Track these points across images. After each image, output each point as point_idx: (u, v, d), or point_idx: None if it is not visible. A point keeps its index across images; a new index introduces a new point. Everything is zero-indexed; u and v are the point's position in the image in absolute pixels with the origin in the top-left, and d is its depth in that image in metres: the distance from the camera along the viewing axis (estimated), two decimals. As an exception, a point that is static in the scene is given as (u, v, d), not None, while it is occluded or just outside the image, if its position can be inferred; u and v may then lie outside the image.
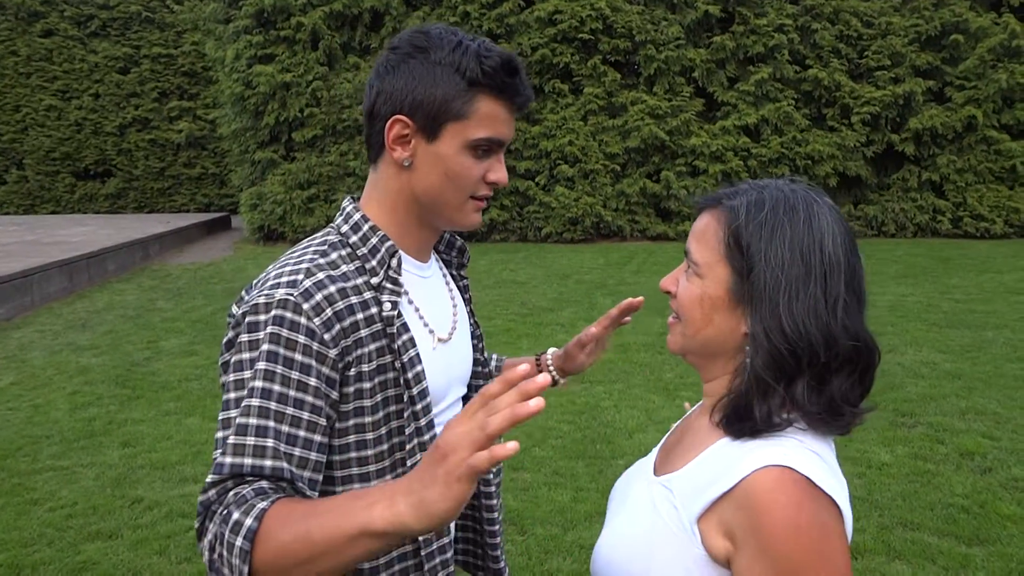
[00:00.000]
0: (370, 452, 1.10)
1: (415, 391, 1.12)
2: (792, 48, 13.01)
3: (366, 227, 1.16)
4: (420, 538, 1.13)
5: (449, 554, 1.18)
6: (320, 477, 1.05)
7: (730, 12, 13.09)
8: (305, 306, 1.04)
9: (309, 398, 1.02)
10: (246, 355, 1.04)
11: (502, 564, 1.36)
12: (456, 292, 1.33)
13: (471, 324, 1.36)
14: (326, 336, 1.04)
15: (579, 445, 4.42)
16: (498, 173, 1.16)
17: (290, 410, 1.01)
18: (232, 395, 1.03)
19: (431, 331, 1.20)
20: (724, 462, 0.97)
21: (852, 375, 0.98)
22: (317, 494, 1.04)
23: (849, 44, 13.13)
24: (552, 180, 13.23)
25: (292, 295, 1.04)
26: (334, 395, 1.05)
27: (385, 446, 1.11)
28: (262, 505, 0.93)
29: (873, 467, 4.03)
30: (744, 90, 13.04)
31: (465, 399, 1.34)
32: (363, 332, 1.09)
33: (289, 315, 1.03)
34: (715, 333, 1.03)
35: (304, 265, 1.10)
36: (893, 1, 13.18)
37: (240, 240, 14.26)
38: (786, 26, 12.90)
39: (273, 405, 1.00)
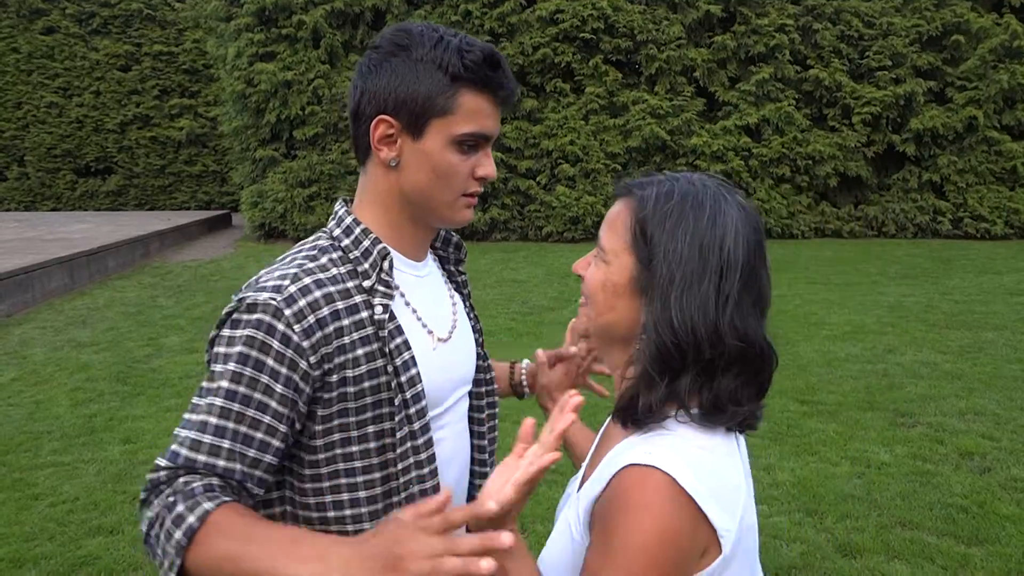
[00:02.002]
0: (355, 450, 1.10)
1: (408, 395, 1.12)
2: (793, 48, 13.01)
3: (358, 230, 1.16)
4: None
5: None
6: (271, 478, 1.07)
7: (731, 12, 13.09)
8: (287, 312, 1.04)
9: (273, 403, 1.04)
10: (222, 349, 1.05)
11: None
12: (454, 290, 1.32)
13: (471, 320, 1.34)
14: (304, 343, 1.04)
15: (579, 443, 4.42)
16: (486, 168, 1.15)
17: (251, 412, 1.03)
18: (204, 384, 1.06)
19: (430, 331, 1.20)
20: (611, 459, 0.98)
21: (740, 375, 0.97)
22: (263, 491, 1.07)
23: (850, 44, 13.13)
24: (553, 179, 13.24)
25: (275, 300, 1.05)
26: (301, 403, 1.06)
27: (372, 444, 1.11)
28: (207, 506, 0.96)
29: (872, 467, 4.03)
30: (745, 90, 13.05)
31: (471, 396, 1.33)
32: (351, 337, 1.08)
33: (268, 319, 1.04)
34: (615, 319, 1.03)
35: (292, 269, 1.10)
36: (894, 1, 13.18)
37: (241, 238, 14.26)
38: (787, 26, 12.90)
39: (236, 407, 1.02)
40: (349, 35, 13.20)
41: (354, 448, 1.11)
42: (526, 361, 1.55)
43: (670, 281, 0.96)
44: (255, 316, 1.05)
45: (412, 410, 1.12)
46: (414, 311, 1.19)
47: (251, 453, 1.03)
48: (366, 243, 1.15)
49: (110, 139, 18.95)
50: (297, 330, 1.04)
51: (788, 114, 12.97)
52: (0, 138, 18.90)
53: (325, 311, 1.07)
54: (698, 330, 0.94)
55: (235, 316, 1.06)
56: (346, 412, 1.09)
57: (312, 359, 1.05)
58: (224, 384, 1.03)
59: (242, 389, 1.03)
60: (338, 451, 1.10)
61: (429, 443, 1.15)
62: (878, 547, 3.26)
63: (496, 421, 1.39)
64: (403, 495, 1.12)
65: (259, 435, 1.03)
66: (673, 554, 0.89)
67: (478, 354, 1.35)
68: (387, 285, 1.13)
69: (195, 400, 1.05)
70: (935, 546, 3.27)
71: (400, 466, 1.12)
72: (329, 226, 1.19)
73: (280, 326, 1.04)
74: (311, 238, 1.20)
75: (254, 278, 1.12)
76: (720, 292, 0.95)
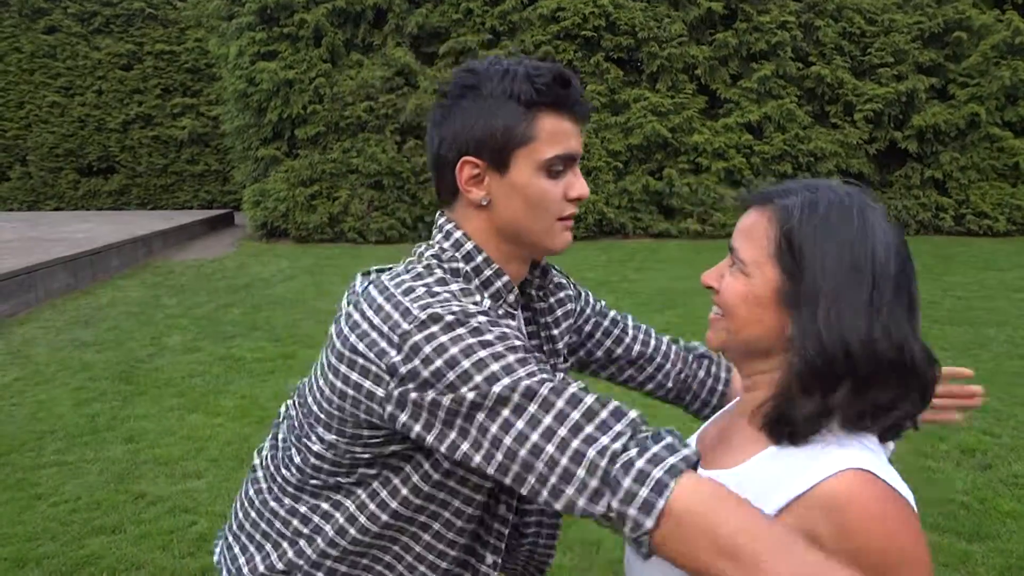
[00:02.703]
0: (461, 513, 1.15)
1: None
2: (795, 45, 12.99)
3: (479, 258, 1.12)
4: None
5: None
6: None
7: (733, 9, 13.07)
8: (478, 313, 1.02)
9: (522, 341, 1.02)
10: (453, 374, 0.96)
11: None
12: (522, 323, 1.24)
13: (562, 349, 1.32)
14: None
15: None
16: (579, 188, 1.13)
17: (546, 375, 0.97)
18: (480, 415, 0.95)
19: None
20: (786, 467, 0.96)
21: (897, 386, 0.97)
22: None
23: (852, 41, 13.11)
24: (554, 177, 13.23)
25: (459, 309, 1.01)
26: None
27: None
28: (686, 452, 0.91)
29: (874, 464, 4.04)
30: (747, 87, 13.03)
31: None
32: None
33: (461, 316, 1.00)
34: (759, 332, 1.01)
35: (459, 289, 1.07)
36: (896, -2, 13.17)
37: (243, 237, 14.28)
38: (789, 23, 12.88)
39: (545, 373, 0.98)
40: (351, 33, 13.20)
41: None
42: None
43: (823, 294, 0.95)
44: (448, 317, 0.99)
45: None
46: None
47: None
48: (488, 272, 1.14)
49: (112, 138, 18.97)
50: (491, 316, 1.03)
51: (790, 111, 12.95)
52: (2, 138, 18.92)
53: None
54: (853, 343, 0.94)
55: (417, 339, 0.98)
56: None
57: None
58: (521, 366, 0.97)
59: (522, 370, 0.96)
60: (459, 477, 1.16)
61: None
62: (879, 544, 3.26)
63: None
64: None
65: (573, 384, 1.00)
66: (924, 541, 0.93)
67: None
68: (511, 318, 1.13)
69: (519, 423, 0.94)
70: (936, 543, 3.27)
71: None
72: (445, 246, 1.14)
73: (481, 315, 1.01)
74: (433, 261, 1.13)
75: (387, 315, 1.03)
76: (873, 304, 0.95)
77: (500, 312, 1.11)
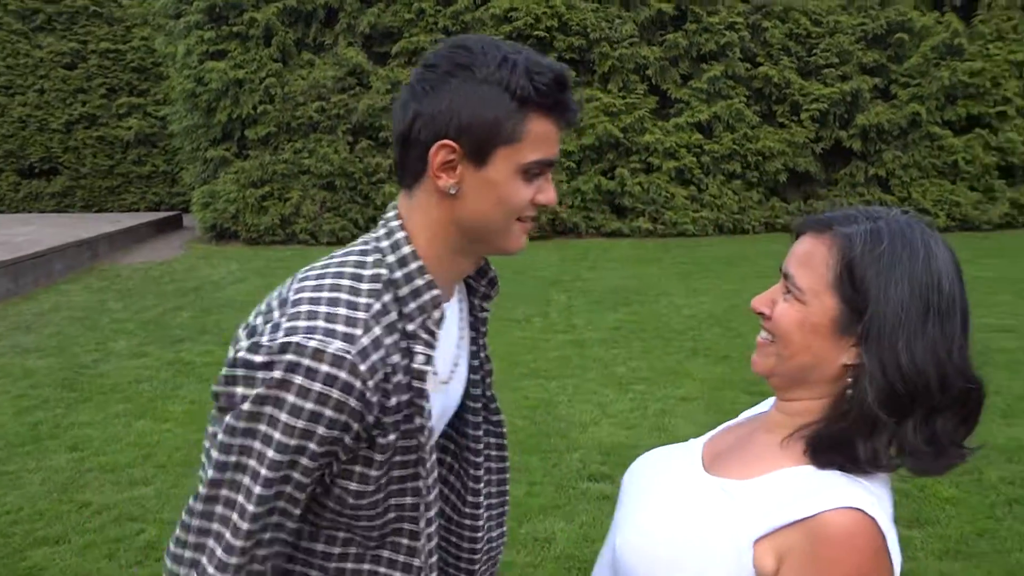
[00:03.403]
0: (364, 501, 1.05)
1: (427, 443, 1.07)
2: (744, 46, 13.21)
3: (414, 266, 1.06)
4: None
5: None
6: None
7: (683, 10, 13.24)
8: (362, 368, 0.96)
9: (307, 480, 0.98)
10: (269, 410, 0.95)
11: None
12: (466, 327, 1.23)
13: (481, 359, 1.28)
14: (373, 399, 0.98)
15: (533, 439, 4.46)
16: (548, 194, 1.07)
17: (289, 490, 0.98)
18: (230, 442, 0.97)
19: (435, 373, 1.12)
20: (801, 489, 0.97)
21: (958, 415, 0.98)
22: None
23: (798, 42, 13.38)
24: (508, 177, 13.25)
25: (350, 353, 0.96)
26: (343, 454, 1.00)
27: (408, 500, 1.08)
28: None
29: (819, 455, 4.13)
30: (697, 87, 13.21)
31: (443, 435, 1.28)
32: (395, 380, 1.02)
33: (344, 376, 0.95)
34: (811, 360, 1.01)
35: (361, 314, 1.00)
36: (841, 0, 13.47)
37: (192, 239, 14.03)
38: (737, 24, 13.10)
39: (287, 489, 0.98)
40: (302, 33, 13.05)
41: (403, 500, 1.08)
42: None
43: (895, 326, 0.95)
44: (326, 369, 0.94)
45: (427, 460, 1.07)
46: None
47: (283, 536, 1.00)
48: (419, 282, 1.05)
49: (55, 139, 18.46)
50: (371, 386, 0.97)
51: (739, 111, 13.17)
52: (-61, 139, 18.32)
53: (391, 362, 1.01)
54: (929, 374, 0.95)
55: (291, 358, 0.94)
56: (370, 462, 1.03)
57: (372, 416, 0.99)
58: (280, 438, 0.94)
59: (310, 445, 0.96)
60: (392, 501, 1.07)
61: (431, 487, 1.10)
62: (823, 533, 3.35)
63: (507, 463, 1.38)
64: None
65: (293, 521, 1.00)
66: None
67: (475, 395, 1.28)
68: (431, 335, 1.05)
69: (215, 475, 0.97)
70: (878, 531, 3.36)
71: (407, 527, 1.10)
72: (382, 244, 1.08)
73: (357, 384, 0.95)
74: (366, 261, 1.07)
75: (290, 305, 1.01)
76: (945, 335, 0.96)
77: (411, 328, 1.04)
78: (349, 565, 1.10)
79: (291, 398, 0.94)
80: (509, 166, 1.03)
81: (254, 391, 0.95)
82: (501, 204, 1.05)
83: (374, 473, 1.03)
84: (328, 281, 1.03)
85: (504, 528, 1.38)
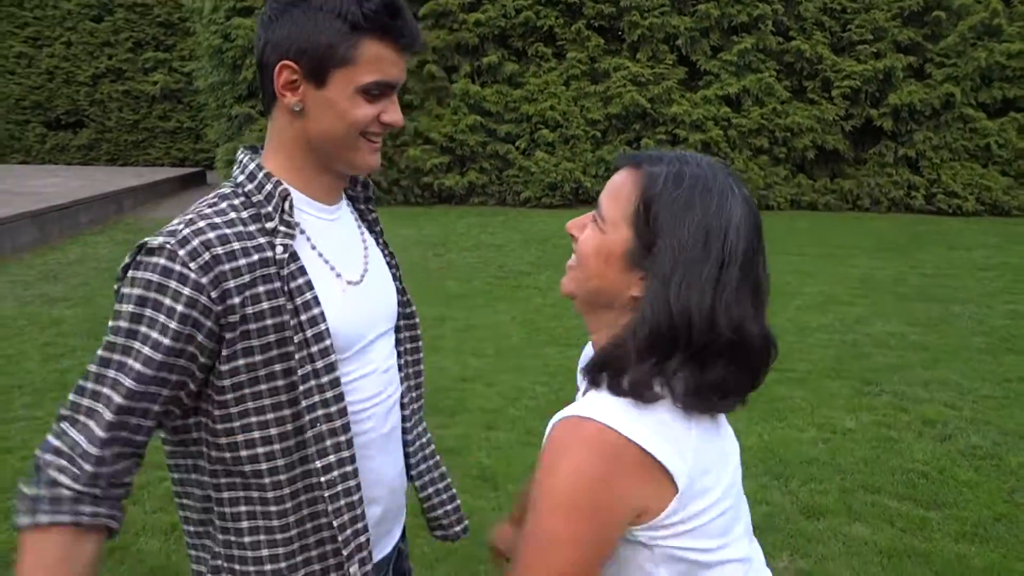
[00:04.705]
0: (263, 388, 1.13)
1: (310, 334, 1.14)
2: (776, 19, 12.97)
3: (260, 175, 1.17)
4: (336, 524, 1.18)
5: (356, 497, 1.20)
6: (177, 410, 1.13)
7: (716, -20, 13.00)
8: (180, 252, 1.07)
9: (166, 340, 1.07)
10: (125, 290, 1.09)
11: (426, 481, 1.43)
12: (367, 233, 1.34)
13: (386, 257, 1.37)
14: (202, 279, 1.07)
15: (553, 405, 4.47)
16: (392, 115, 1.17)
17: (146, 350, 1.07)
18: (110, 323, 1.10)
19: (338, 275, 1.21)
20: (567, 409, 1.01)
21: (730, 366, 0.99)
22: (166, 423, 1.16)
23: (833, 17, 13.12)
24: (532, 145, 13.18)
25: (169, 243, 1.08)
26: (201, 336, 1.08)
27: (280, 382, 1.13)
28: (52, 520, 1.03)
29: (838, 433, 4.13)
30: (727, 60, 13.01)
31: (396, 331, 1.37)
32: (251, 275, 1.10)
33: (163, 261, 1.07)
34: (604, 286, 1.05)
35: (188, 216, 1.12)
36: (878, -26, 13.17)
37: (216, 196, 14.07)
38: (771, -4, 12.85)
39: (135, 344, 1.07)
40: (329, -9, 12.94)
41: (262, 386, 1.12)
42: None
43: (672, 265, 0.97)
44: (152, 259, 1.08)
45: (314, 349, 1.14)
46: (320, 255, 1.20)
47: (146, 389, 1.08)
48: (268, 186, 1.16)
49: (82, 92, 18.54)
50: (193, 267, 1.07)
51: (769, 85, 12.97)
52: (-33, 88, 18.43)
53: (220, 250, 1.09)
54: (693, 316, 0.96)
55: (137, 259, 1.10)
56: (251, 351, 1.11)
57: (213, 294, 1.08)
58: (123, 324, 1.08)
59: (142, 328, 1.07)
60: (247, 390, 1.12)
61: (335, 382, 1.16)
62: (840, 509, 3.36)
63: (420, 355, 1.44)
64: (310, 433, 1.15)
65: (150, 371, 1.07)
66: (587, 501, 0.93)
67: (398, 289, 1.37)
68: (288, 225, 1.15)
69: (105, 339, 1.10)
70: (895, 509, 3.37)
71: (304, 403, 1.14)
72: (234, 173, 1.21)
73: (176, 266, 1.07)
74: (224, 189, 1.21)
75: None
76: (719, 281, 0.97)
77: (271, 225, 1.14)
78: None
79: (134, 290, 1.08)
80: (347, 86, 1.12)
81: (124, 290, 1.10)
82: (342, 120, 1.14)
83: (275, 353, 1.12)
84: (187, 211, 1.16)
85: (424, 423, 1.46)
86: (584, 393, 1.05)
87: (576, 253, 1.09)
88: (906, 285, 7.63)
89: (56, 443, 1.06)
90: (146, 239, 1.10)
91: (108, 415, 1.06)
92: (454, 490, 1.48)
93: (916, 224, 11.95)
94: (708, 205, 0.99)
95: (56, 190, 11.65)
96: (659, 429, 0.96)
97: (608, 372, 1.00)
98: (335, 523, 1.17)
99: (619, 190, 1.05)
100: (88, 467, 1.04)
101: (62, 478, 1.04)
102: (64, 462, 1.04)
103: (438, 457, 1.47)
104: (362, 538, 1.20)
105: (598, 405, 0.97)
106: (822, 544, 3.12)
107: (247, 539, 1.16)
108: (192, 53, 16.66)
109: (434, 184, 13.18)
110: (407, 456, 1.38)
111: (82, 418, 1.06)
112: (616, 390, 0.98)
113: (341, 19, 1.10)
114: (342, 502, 1.17)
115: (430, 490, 1.43)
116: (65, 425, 1.07)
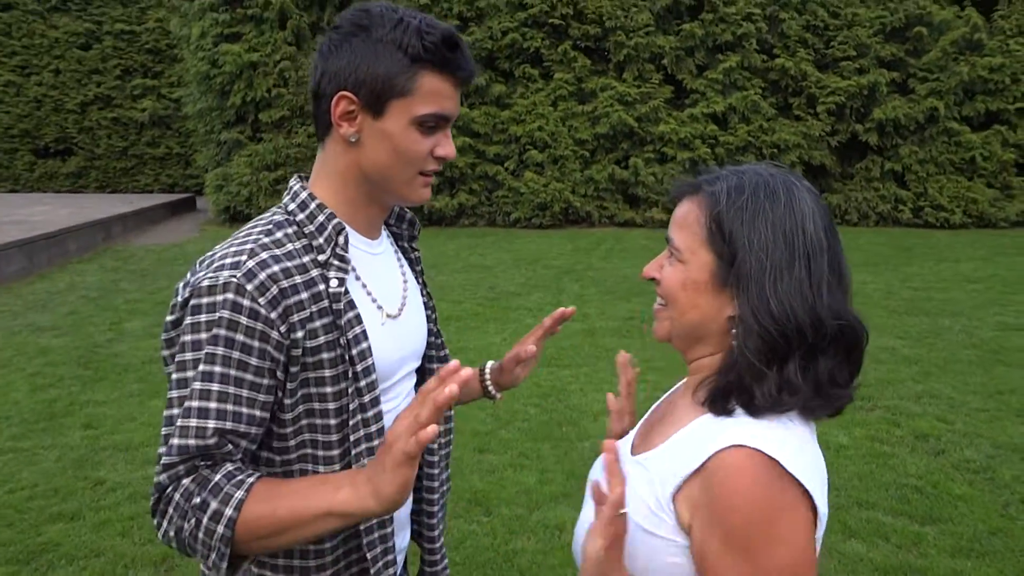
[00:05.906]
0: (319, 423, 1.13)
1: (359, 368, 1.14)
2: (760, 37, 13.11)
3: (313, 205, 1.17)
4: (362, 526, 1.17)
5: (389, 530, 1.21)
6: (254, 446, 1.11)
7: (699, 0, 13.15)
8: (248, 287, 1.06)
9: (249, 376, 1.06)
10: (189, 337, 1.07)
11: (436, 533, 1.41)
12: (407, 267, 1.34)
13: (424, 297, 1.37)
14: (272, 315, 1.06)
15: (545, 427, 4.46)
16: (446, 148, 1.17)
17: (231, 389, 1.05)
18: (175, 376, 1.07)
19: (379, 307, 1.22)
20: (700, 439, 0.99)
21: (839, 355, 1.00)
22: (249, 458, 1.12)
23: (816, 34, 13.26)
24: (521, 165, 13.23)
25: (235, 276, 1.06)
26: (279, 372, 1.08)
27: (333, 421, 1.14)
28: (239, 495, 1.01)
29: (831, 449, 4.12)
30: (712, 78, 13.13)
31: (419, 371, 1.37)
32: (310, 309, 1.10)
33: (231, 296, 1.05)
34: (700, 317, 1.04)
35: (248, 245, 1.11)
36: (859, -8, 13.34)
37: (205, 221, 14.07)
38: (754, 15, 12.99)
39: (215, 386, 1.04)
40: (316, 16, 13.03)
41: (317, 421, 1.13)
42: (490, 363, 1.56)
43: (760, 271, 0.98)
44: (218, 298, 1.06)
45: (363, 383, 1.15)
46: (364, 286, 1.21)
47: (241, 427, 1.06)
48: (321, 218, 1.16)
49: (70, 119, 18.53)
50: (263, 302, 1.06)
51: (754, 103, 13.08)
52: (-45, 117, 18.38)
53: (285, 283, 1.09)
54: (798, 314, 0.97)
55: (194, 302, 1.07)
56: (308, 383, 1.12)
57: (282, 328, 1.07)
58: (202, 367, 1.05)
59: (218, 368, 1.04)
60: (304, 422, 1.13)
61: (379, 416, 1.17)
62: (835, 526, 3.34)
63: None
64: (355, 465, 1.15)
65: (244, 410, 1.06)
66: (797, 526, 0.94)
67: (429, 331, 1.37)
68: (342, 259, 1.15)
69: (171, 394, 1.07)
70: (890, 525, 3.36)
71: (352, 436, 1.14)
72: (284, 201, 1.21)
73: (245, 301, 1.05)
74: (267, 214, 1.21)
75: (207, 258, 1.13)
76: (812, 275, 0.98)
77: (323, 258, 1.14)
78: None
79: (201, 334, 1.06)
80: (403, 118, 1.13)
81: (187, 337, 1.08)
82: (398, 154, 1.14)
83: (329, 390, 1.13)
84: (238, 238, 1.14)
85: (449, 471, 1.45)
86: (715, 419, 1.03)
87: (662, 293, 1.08)
88: (896, 299, 7.66)
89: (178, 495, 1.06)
90: (203, 276, 1.08)
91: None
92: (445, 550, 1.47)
93: (904, 237, 12.02)
94: (776, 205, 1.00)
95: (44, 218, 11.60)
96: (802, 448, 0.97)
97: (735, 396, 0.99)
98: (368, 555, 1.18)
99: (686, 218, 1.05)
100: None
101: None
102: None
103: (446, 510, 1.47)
104: (391, 570, 1.22)
105: (750, 432, 0.96)
106: (818, 562, 3.10)
107: (281, 561, 1.17)
108: (180, 80, 16.69)
109: (424, 206, 13.20)
110: (431, 503, 1.38)
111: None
112: (753, 411, 0.98)
113: (402, 51, 1.10)
114: (376, 535, 1.19)
115: (437, 555, 1.42)
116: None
